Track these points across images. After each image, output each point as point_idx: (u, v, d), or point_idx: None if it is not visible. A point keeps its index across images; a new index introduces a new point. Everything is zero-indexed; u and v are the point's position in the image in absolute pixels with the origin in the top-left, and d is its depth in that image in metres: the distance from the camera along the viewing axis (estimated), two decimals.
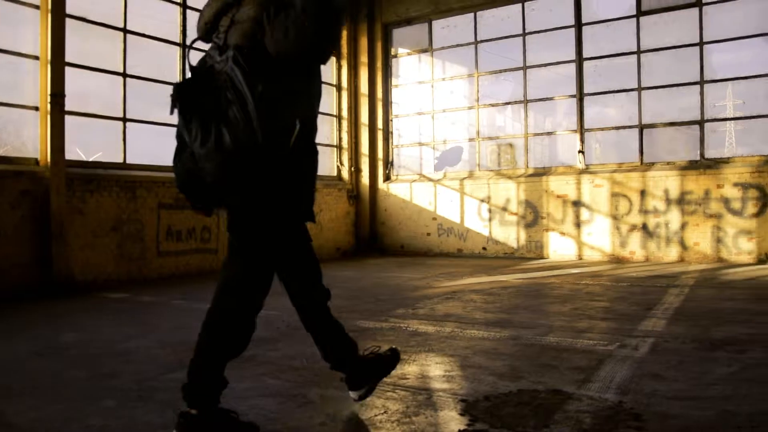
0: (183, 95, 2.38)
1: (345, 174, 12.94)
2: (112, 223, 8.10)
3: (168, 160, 2.65)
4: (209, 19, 2.58)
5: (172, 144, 2.52)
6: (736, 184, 9.72)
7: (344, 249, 12.54)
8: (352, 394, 2.94)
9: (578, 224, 10.78)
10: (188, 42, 3.70)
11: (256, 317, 2.61)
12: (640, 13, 10.44)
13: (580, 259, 10.71)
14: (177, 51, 9.50)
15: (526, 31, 11.39)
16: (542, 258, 11.03)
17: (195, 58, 2.54)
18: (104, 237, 8.01)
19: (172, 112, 2.44)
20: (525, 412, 2.83)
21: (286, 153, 2.44)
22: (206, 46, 2.60)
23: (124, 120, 8.63)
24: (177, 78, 9.40)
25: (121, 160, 8.61)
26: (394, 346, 3.10)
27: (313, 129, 2.68)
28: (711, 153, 10.31)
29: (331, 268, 10.07)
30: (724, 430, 2.54)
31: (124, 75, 8.64)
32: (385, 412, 2.87)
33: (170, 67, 9.51)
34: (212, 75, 2.40)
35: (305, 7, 2.32)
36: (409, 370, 3.63)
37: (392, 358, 3.03)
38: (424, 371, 3.62)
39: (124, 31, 8.67)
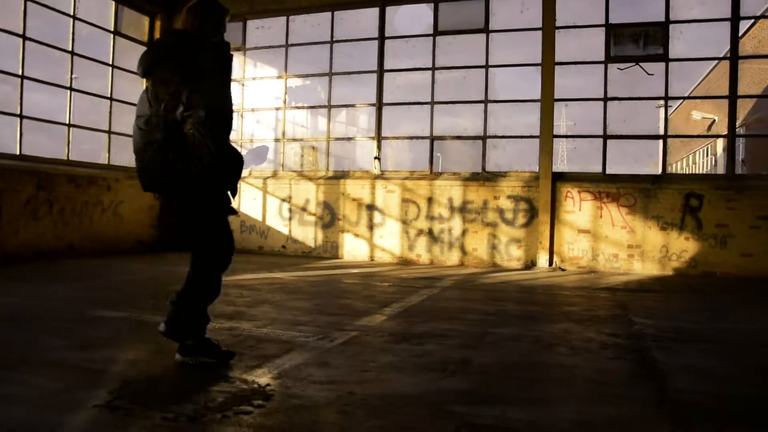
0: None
1: None
2: None
3: None
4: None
5: None
6: (510, 197, 10.65)
7: (146, 242, 12.35)
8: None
9: (371, 227, 11.34)
10: None
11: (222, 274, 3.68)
12: (437, 32, 11.16)
13: (372, 260, 11.27)
14: None
15: (334, 39, 11.82)
16: (337, 258, 11.49)
17: None
18: None
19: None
20: (168, 391, 3.09)
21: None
22: None
23: None
24: None
25: None
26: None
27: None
28: (491, 167, 11.20)
29: (124, 261, 9.98)
30: (335, 408, 2.92)
31: None
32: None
33: None
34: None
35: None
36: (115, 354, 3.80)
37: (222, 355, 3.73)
38: (110, 355, 3.79)
39: None
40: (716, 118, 26.81)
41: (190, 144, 3.43)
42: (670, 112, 37.12)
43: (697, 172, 30.47)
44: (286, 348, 4.11)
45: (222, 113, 3.49)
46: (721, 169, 28.58)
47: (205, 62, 3.50)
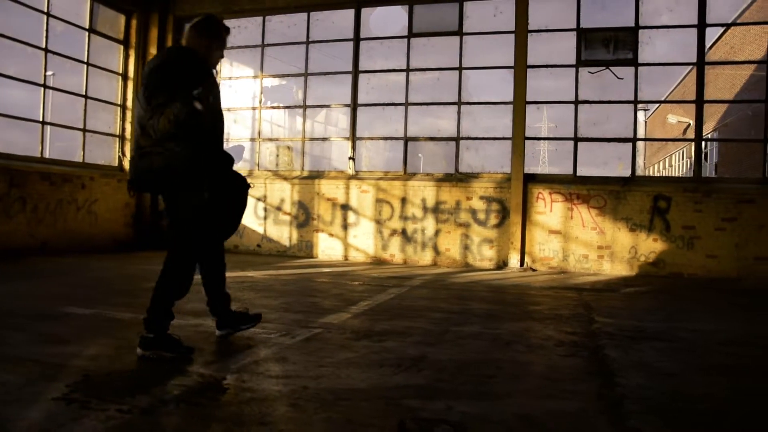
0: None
1: (126, 165, 12.74)
2: None
3: None
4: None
5: None
6: (482, 198, 10.79)
7: (122, 241, 12.34)
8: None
9: (345, 226, 11.43)
10: None
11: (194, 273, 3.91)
12: (411, 34, 11.27)
13: (346, 259, 11.36)
14: None
15: (310, 40, 11.90)
16: (312, 257, 11.56)
17: None
18: None
19: None
20: (126, 385, 3.16)
21: None
22: None
23: None
24: None
25: None
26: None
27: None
28: (465, 168, 11.32)
29: (98, 259, 9.99)
30: (287, 401, 3.01)
31: None
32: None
33: None
34: None
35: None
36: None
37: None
38: (73, 350, 3.85)
39: None
40: (691, 122, 27.18)
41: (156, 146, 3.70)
42: (647, 115, 37.61)
43: (673, 174, 30.85)
44: (248, 344, 4.19)
45: (187, 120, 3.60)
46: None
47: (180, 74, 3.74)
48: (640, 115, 38.68)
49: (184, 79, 3.71)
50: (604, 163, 12.92)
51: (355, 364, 3.76)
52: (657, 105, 33.51)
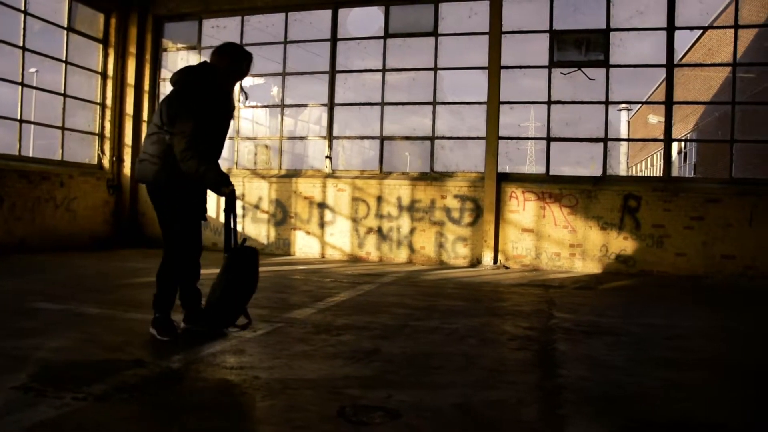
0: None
1: (106, 163, 12.81)
2: None
3: None
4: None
5: None
6: (456, 196, 10.96)
7: (101, 238, 12.40)
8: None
9: (322, 225, 11.58)
10: None
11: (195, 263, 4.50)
12: (388, 35, 11.43)
13: (323, 257, 11.51)
14: None
15: (288, 40, 12.02)
16: (289, 255, 11.70)
17: None
18: None
19: None
20: (85, 374, 3.30)
21: None
22: None
23: None
24: None
25: None
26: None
27: None
28: (440, 167, 11.48)
29: (76, 256, 10.08)
30: (236, 390, 3.16)
31: None
32: None
33: None
34: None
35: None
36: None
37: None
38: (38, 343, 3.98)
39: None
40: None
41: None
42: (630, 115, 37.93)
43: (654, 174, 31.17)
44: (209, 338, 4.33)
45: (184, 139, 4.11)
46: (675, 171, 29.36)
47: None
48: (623, 115, 39.12)
49: (197, 105, 4.19)
50: (577, 162, 13.13)
51: (310, 357, 3.91)
52: (639, 105, 33.83)
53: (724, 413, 3.17)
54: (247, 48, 11.96)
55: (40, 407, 2.78)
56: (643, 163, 36.24)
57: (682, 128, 27.06)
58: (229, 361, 3.72)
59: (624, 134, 37.32)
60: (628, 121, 38.96)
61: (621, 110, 39.24)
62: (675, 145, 29.29)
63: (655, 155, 32.27)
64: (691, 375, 3.89)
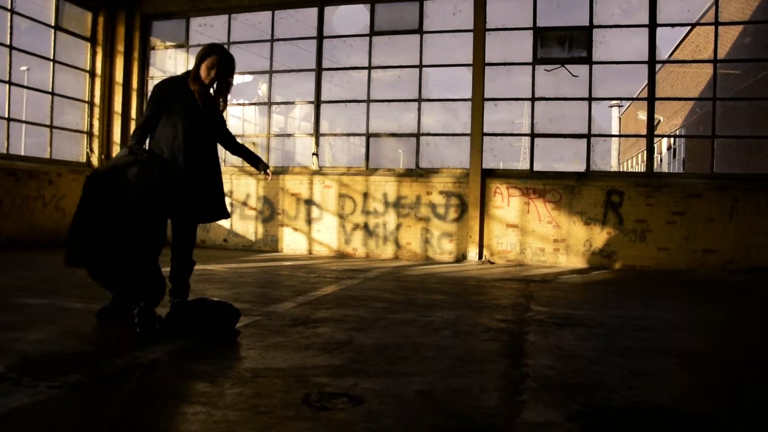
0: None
1: (95, 161, 12.88)
2: None
3: None
4: None
5: None
6: (441, 192, 11.08)
7: None
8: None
9: (309, 221, 11.69)
10: None
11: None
12: (373, 33, 11.53)
13: (310, 253, 11.61)
14: None
15: (275, 38, 12.11)
16: (277, 251, 11.80)
17: None
18: None
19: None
20: (61, 365, 3.40)
21: None
22: None
23: None
24: None
25: None
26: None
27: None
28: (425, 164, 11.61)
29: (62, 254, 10.10)
30: (207, 378, 3.26)
31: None
32: None
33: None
34: None
35: None
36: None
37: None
38: (18, 336, 4.08)
39: None
40: (661, 119, 27.70)
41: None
42: (621, 111, 38.09)
43: (644, 170, 31.35)
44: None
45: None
46: (665, 167, 29.54)
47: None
48: (614, 111, 39.33)
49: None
50: (561, 158, 13.25)
51: (283, 348, 4.02)
52: (629, 102, 34.00)
53: (677, 398, 3.29)
54: (235, 46, 12.00)
55: (16, 395, 2.88)
56: (634, 159, 36.43)
57: (672, 124, 27.23)
58: (204, 353, 3.82)
59: (615, 130, 37.54)
60: (619, 118, 39.17)
61: (612, 107, 39.51)
62: (665, 141, 29.46)
63: (646, 151, 32.49)
64: (652, 363, 4.00)
